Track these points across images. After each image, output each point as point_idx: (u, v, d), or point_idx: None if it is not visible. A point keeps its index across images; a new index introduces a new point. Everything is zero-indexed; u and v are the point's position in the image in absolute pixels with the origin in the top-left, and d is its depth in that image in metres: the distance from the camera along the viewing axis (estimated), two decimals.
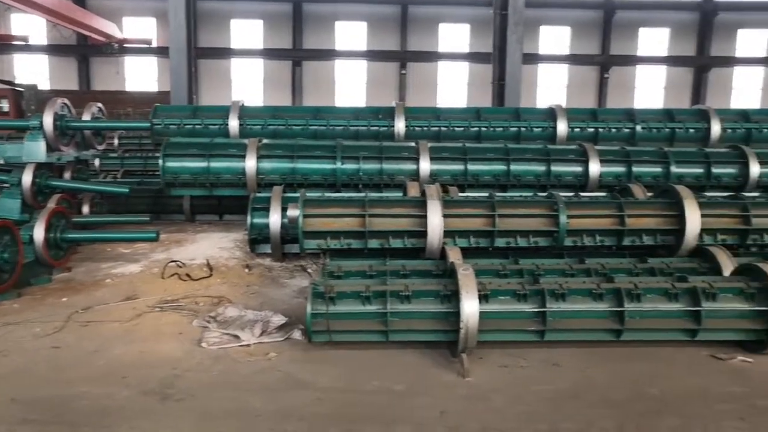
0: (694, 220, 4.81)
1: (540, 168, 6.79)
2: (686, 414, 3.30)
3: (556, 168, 6.79)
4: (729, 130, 7.61)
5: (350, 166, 6.66)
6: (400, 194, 5.57)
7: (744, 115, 7.83)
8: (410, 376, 3.72)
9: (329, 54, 24.23)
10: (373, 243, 4.81)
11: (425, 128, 7.56)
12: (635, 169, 6.84)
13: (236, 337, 4.14)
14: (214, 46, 23.35)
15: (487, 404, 3.40)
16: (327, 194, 5.97)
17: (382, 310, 3.90)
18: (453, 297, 3.89)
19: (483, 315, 3.83)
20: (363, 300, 3.93)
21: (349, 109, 8.31)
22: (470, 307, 3.74)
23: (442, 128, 7.57)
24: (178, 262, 5.93)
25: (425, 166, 6.64)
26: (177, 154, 6.74)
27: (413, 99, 23.65)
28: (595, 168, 6.76)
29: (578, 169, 6.82)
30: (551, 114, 7.62)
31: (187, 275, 5.66)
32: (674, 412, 3.31)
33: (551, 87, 24.90)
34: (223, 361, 3.83)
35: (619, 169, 6.87)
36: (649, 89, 25.09)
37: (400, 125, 7.44)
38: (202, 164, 6.70)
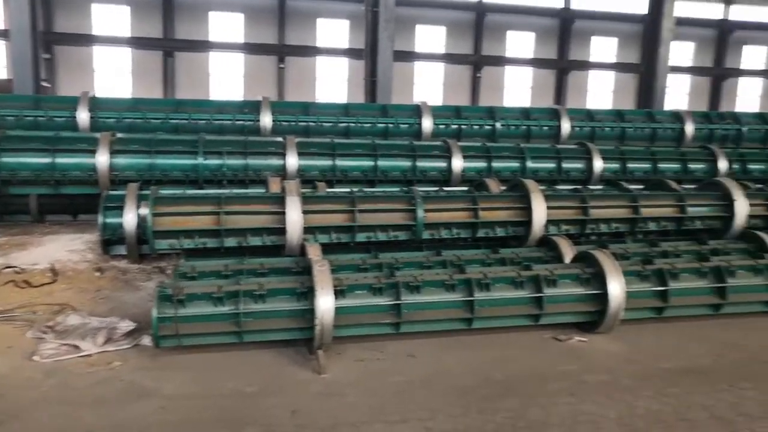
0: (540, 212, 5.14)
1: (406, 163, 6.93)
2: (526, 394, 3.51)
3: (421, 164, 6.97)
4: (577, 128, 8.23)
5: (213, 161, 6.40)
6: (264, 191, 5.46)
7: (590, 114, 8.52)
8: (265, 376, 3.64)
9: (203, 45, 23.20)
10: (230, 241, 4.65)
11: (293, 123, 7.45)
12: (495, 164, 7.19)
13: (76, 347, 3.83)
14: (74, 32, 21.52)
15: (341, 399, 3.41)
16: (188, 191, 5.72)
17: (235, 311, 3.79)
18: (310, 294, 3.86)
19: (339, 310, 3.84)
20: (215, 301, 3.80)
21: (213, 103, 8.01)
22: (325, 303, 3.73)
23: (311, 123, 7.50)
24: (15, 268, 5.38)
25: (292, 161, 6.54)
26: (15, 149, 6.11)
27: (292, 94, 23.32)
28: (458, 163, 7.02)
29: (442, 164, 7.05)
30: (417, 111, 7.82)
31: (26, 282, 5.15)
32: (515, 394, 3.51)
33: (428, 85, 25.66)
34: (57, 375, 3.52)
35: (481, 164, 7.19)
36: (518, 89, 26.64)
37: (266, 120, 7.27)
38: (46, 160, 6.13)
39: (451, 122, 7.92)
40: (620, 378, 3.76)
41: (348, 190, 5.30)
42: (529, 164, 7.26)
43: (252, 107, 7.46)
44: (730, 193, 5.73)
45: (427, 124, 7.71)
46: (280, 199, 4.69)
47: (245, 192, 5.54)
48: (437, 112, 7.96)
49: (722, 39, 28.58)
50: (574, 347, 4.27)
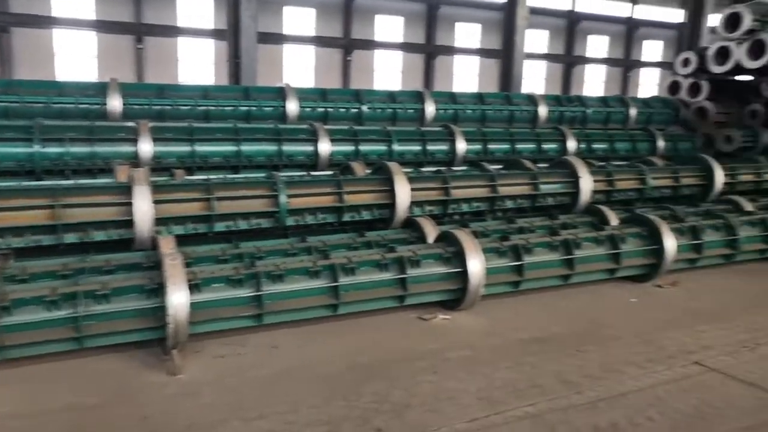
0: (403, 194, 5.18)
1: (271, 148, 6.69)
2: (391, 376, 3.51)
3: (287, 147, 6.76)
4: (441, 111, 8.44)
5: (54, 149, 5.74)
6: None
7: (453, 97, 8.76)
8: (111, 384, 3.33)
9: (46, 21, 21.00)
10: (70, 237, 4.20)
11: (146, 107, 6.89)
12: (362, 147, 7.17)
13: None
14: None
15: (198, 399, 3.20)
16: (22, 183, 5.10)
17: (74, 315, 3.42)
18: (161, 290, 3.57)
19: (194, 306, 3.60)
20: (48, 305, 3.39)
21: (51, 84, 7.19)
22: (178, 299, 3.47)
23: (166, 107, 6.99)
24: None
25: (146, 147, 6.04)
26: None
27: (152, 77, 21.88)
28: (325, 147, 6.89)
29: (309, 148, 6.89)
30: (282, 93, 7.58)
31: None
32: (380, 377, 3.50)
33: (299, 69, 25.23)
34: None
35: (348, 147, 7.13)
36: (388, 73, 27.02)
37: (115, 103, 6.66)
38: None
39: (317, 105, 7.77)
40: (481, 352, 3.88)
41: (206, 177, 4.99)
42: (396, 147, 7.32)
43: (98, 89, 6.80)
44: (576, 170, 6.15)
45: (292, 106, 7.50)
46: (126, 189, 4.30)
47: (87, 182, 5.03)
48: (303, 94, 7.77)
49: (571, 29, 30.86)
50: (439, 326, 4.36)
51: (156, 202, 4.32)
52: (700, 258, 5.55)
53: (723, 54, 10.06)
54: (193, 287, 3.68)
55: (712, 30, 11.71)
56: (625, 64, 32.94)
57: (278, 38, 23.35)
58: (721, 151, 10.08)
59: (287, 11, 24.68)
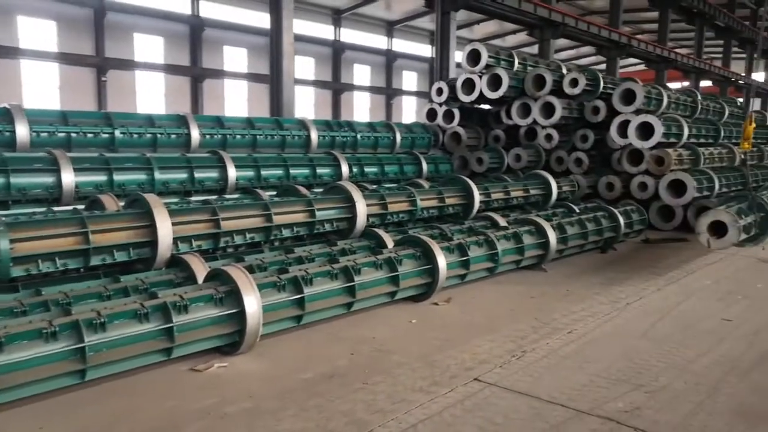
0: (165, 229, 4.57)
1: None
2: None
3: (17, 180, 5.62)
4: (207, 136, 7.88)
5: None
6: None
7: (220, 121, 8.25)
8: None
9: (13, 52, 15.53)
10: None
11: None
12: (117, 177, 6.30)
13: None
14: None
15: None
16: None
17: None
18: None
19: None
20: None
21: None
22: None
23: None
24: None
25: None
26: None
27: None
28: (68, 178, 5.89)
29: (48, 179, 5.84)
30: (8, 115, 6.31)
31: None
32: None
33: (42, 87, 22.05)
34: None
35: (99, 177, 6.22)
36: (151, 95, 25.09)
37: None
38: None
39: (57, 129, 6.64)
40: (263, 401, 3.48)
41: None
42: (158, 175, 6.59)
43: None
44: (351, 195, 6.13)
45: (21, 131, 6.28)
46: None
47: None
48: (36, 116, 6.58)
49: (336, 57, 32.23)
50: (214, 375, 3.85)
51: None
52: (468, 273, 5.89)
53: (470, 85, 11.20)
54: None
55: (458, 64, 13.00)
56: (387, 92, 35.45)
57: (13, 52, 20.17)
58: (474, 172, 11.16)
59: (22, 21, 21.46)
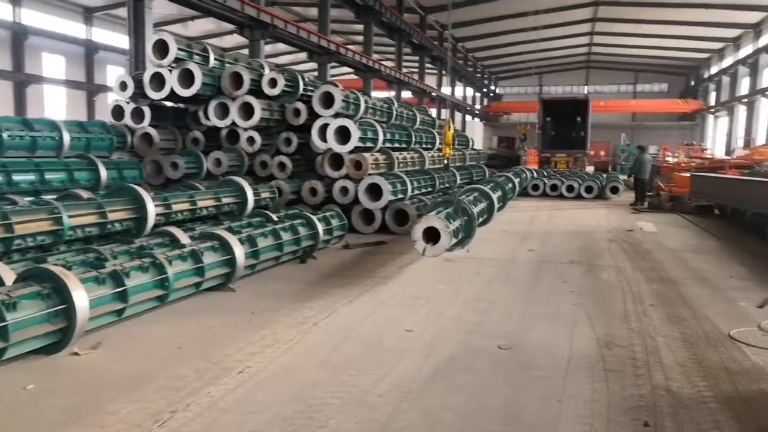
0: None
1: None
2: None
3: None
4: None
5: None
6: None
7: None
8: None
9: None
10: None
11: None
12: None
13: None
14: None
15: None
16: None
17: None
18: None
19: None
20: None
21: None
22: None
23: None
24: None
25: None
26: None
27: None
28: None
29: None
30: None
31: None
32: None
33: None
34: None
35: None
36: None
37: None
38: None
39: None
40: None
41: None
42: None
43: None
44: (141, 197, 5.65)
45: None
46: None
47: None
48: None
49: (19, 44, 27.21)
50: None
51: None
52: (127, 307, 4.73)
53: (159, 80, 9.87)
54: None
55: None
56: (88, 88, 31.14)
57: None
58: (170, 178, 9.90)
59: None
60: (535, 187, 18.46)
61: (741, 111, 37.71)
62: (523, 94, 51.91)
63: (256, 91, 10.27)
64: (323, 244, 8.14)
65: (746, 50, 37.00)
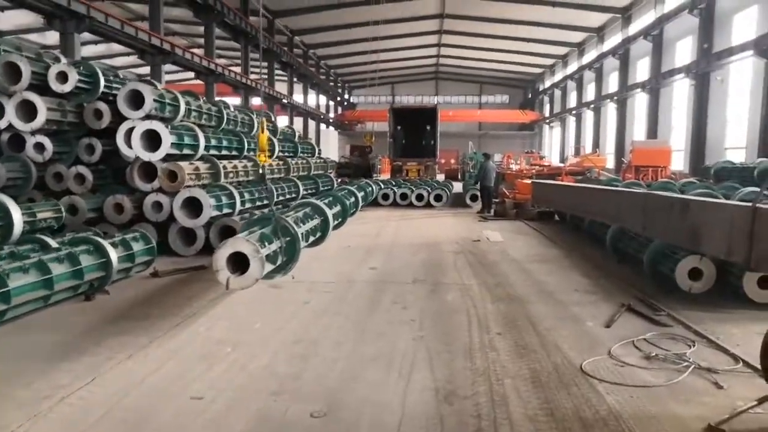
0: None
1: None
2: None
3: None
4: None
5: None
6: None
7: None
8: None
9: None
10: None
11: None
12: None
13: None
14: None
15: None
16: None
17: None
18: None
19: None
20: None
21: None
22: None
23: None
24: None
25: None
26: None
27: None
28: None
29: None
30: None
31: None
32: None
33: None
34: None
35: None
36: None
37: None
38: None
39: None
40: None
41: None
42: None
43: None
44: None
45: None
46: None
47: None
48: None
49: None
50: None
51: None
52: None
53: None
54: None
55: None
56: None
57: None
58: None
59: None
60: (386, 197, 17.93)
61: (571, 121, 40.96)
62: (376, 103, 52.30)
63: (44, 87, 8.40)
64: (122, 274, 6.61)
65: (572, 67, 40.28)
